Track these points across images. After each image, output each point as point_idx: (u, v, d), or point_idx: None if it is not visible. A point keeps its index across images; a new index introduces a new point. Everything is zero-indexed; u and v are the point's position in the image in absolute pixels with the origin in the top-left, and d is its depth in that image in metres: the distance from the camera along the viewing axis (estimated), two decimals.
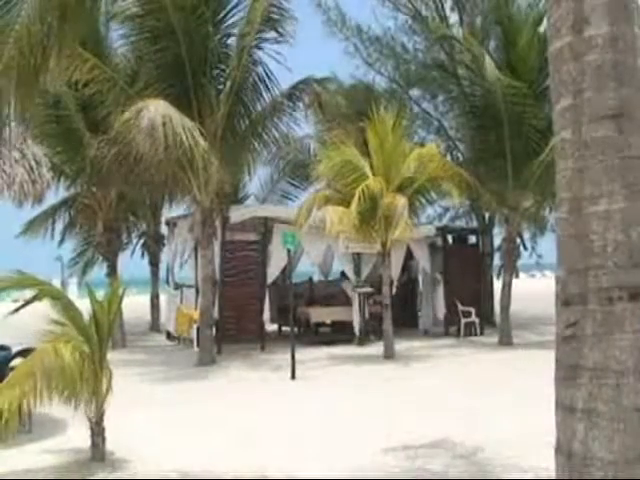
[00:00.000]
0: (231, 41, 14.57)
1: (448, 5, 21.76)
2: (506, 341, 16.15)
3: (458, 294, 18.04)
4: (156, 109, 11.89)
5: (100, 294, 7.24)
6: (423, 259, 18.56)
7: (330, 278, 21.34)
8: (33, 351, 7.11)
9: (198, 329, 14.76)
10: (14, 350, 8.60)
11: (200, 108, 14.15)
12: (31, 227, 18.48)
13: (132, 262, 21.31)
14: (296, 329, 15.11)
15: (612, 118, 3.78)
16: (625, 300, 3.71)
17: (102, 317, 6.83)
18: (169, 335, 18.37)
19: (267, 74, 14.63)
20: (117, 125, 12.62)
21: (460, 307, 17.92)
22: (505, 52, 16.87)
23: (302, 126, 16.76)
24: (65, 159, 16.71)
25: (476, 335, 17.80)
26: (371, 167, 14.62)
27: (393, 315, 14.92)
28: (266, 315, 16.09)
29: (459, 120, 19.85)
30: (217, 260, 15.36)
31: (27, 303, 6.90)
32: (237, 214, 15.95)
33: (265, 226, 16.10)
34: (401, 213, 13.68)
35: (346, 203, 14.05)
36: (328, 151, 15.29)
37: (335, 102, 15.73)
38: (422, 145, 18.22)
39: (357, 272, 17.04)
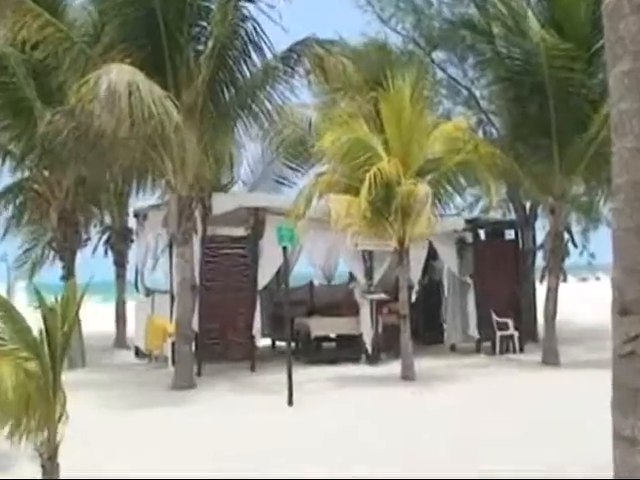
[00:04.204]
0: None
1: None
2: (551, 360, 16.15)
3: (492, 302, 18.04)
4: (119, 75, 11.89)
5: (54, 301, 7.21)
6: (449, 259, 18.54)
7: (335, 282, 21.33)
8: None
9: (174, 344, 14.75)
10: None
11: (176, 74, 14.14)
12: None
13: (93, 262, 21.32)
14: (293, 344, 15.10)
15: None
16: None
17: (55, 329, 6.81)
18: (138, 352, 18.38)
19: (258, 33, 14.58)
20: (74, 94, 12.60)
21: (495, 318, 17.91)
22: (549, 6, 16.84)
23: (301, 96, 16.72)
24: (11, 136, 16.72)
25: (515, 352, 17.80)
26: (385, 146, 14.59)
27: (413, 327, 14.93)
28: (257, 327, 16.08)
29: (493, 89, 19.81)
30: (197, 260, 15.36)
31: None
32: (221, 204, 15.93)
33: (256, 218, 16.07)
34: (423, 205, 13.64)
35: (355, 190, 14.04)
36: (333, 126, 15.25)
37: (342, 67, 15.67)
38: (448, 119, 18.21)
39: (368, 275, 17.03)
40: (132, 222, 20.43)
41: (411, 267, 15.70)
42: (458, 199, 18.28)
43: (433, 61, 22.43)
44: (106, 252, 22.26)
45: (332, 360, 16.72)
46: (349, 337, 17.29)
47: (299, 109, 19.57)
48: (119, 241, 21.67)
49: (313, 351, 17.53)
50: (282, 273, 14.96)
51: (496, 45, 18.40)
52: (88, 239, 20.53)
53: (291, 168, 21.07)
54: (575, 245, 22.62)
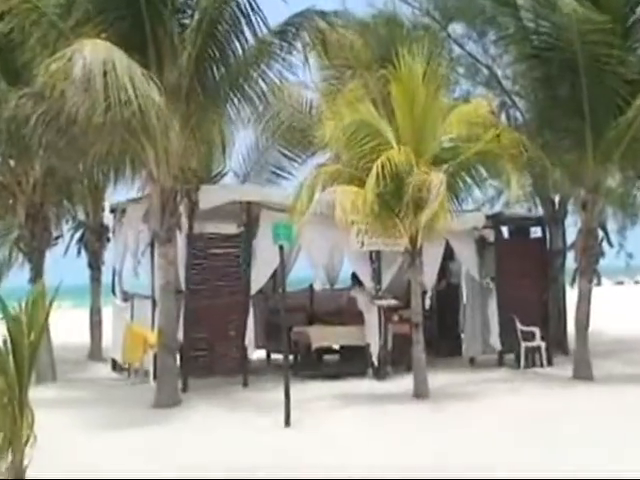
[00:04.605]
0: None
1: None
2: (584, 374, 16.14)
3: (517, 308, 18.02)
4: (94, 52, 11.87)
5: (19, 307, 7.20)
6: (468, 260, 18.52)
7: (338, 286, 21.32)
8: None
9: (156, 356, 14.74)
10: None
11: (158, 51, 14.14)
12: None
13: (65, 263, 21.34)
14: (291, 357, 15.08)
15: None
16: None
17: (21, 338, 6.82)
18: (115, 365, 18.39)
19: (251, 4, 14.57)
20: (43, 74, 12.59)
21: (520, 327, 17.89)
22: None
23: (300, 75, 16.68)
24: None
25: (542, 365, 17.82)
26: (396, 132, 14.58)
27: (426, 337, 14.91)
28: (250, 337, 16.08)
29: (518, 67, 19.79)
30: (182, 260, 15.36)
31: None
32: (210, 197, 15.92)
33: (249, 214, 16.07)
34: (437, 193, 13.60)
35: (360, 182, 14.02)
36: (337, 109, 15.23)
37: (348, 42, 15.67)
38: (467, 101, 18.18)
39: (376, 278, 17.03)
40: (108, 218, 20.42)
41: (425, 269, 15.65)
42: (477, 192, 18.31)
43: (449, 36, 22.39)
44: (79, 252, 22.27)
45: (335, 375, 16.71)
46: (354, 349, 17.29)
47: (298, 89, 19.58)
48: (94, 239, 21.64)
49: (313, 364, 17.54)
50: (278, 276, 14.94)
51: (521, 18, 18.39)
52: (59, 236, 20.54)
53: (288, 157, 21.06)
54: (611, 244, 22.62)
